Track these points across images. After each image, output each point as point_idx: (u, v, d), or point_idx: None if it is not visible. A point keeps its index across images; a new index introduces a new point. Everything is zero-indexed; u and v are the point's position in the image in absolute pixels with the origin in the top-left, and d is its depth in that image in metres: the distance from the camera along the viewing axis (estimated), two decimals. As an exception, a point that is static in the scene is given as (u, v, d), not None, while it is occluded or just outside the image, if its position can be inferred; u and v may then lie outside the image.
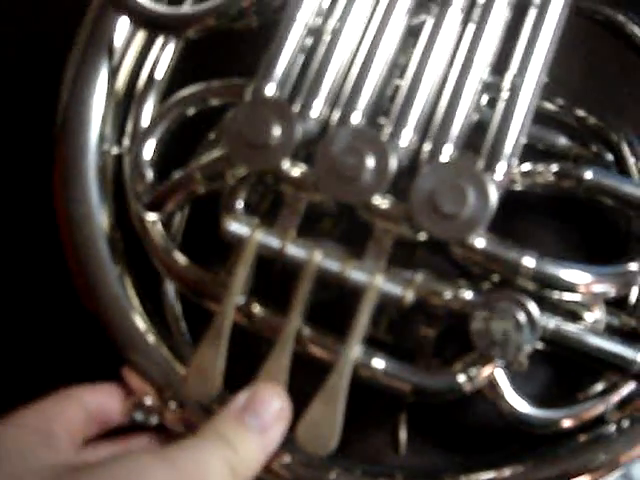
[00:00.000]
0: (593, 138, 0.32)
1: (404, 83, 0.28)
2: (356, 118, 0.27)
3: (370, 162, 0.26)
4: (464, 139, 0.27)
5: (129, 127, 0.33)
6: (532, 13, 0.28)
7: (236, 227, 0.26)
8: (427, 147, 0.27)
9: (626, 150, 0.31)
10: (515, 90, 0.27)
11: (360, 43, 0.29)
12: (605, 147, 0.32)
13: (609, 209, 0.30)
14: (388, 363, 0.27)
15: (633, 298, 0.31)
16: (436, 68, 0.28)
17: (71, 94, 0.33)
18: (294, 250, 0.26)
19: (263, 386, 0.26)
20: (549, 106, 0.33)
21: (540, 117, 0.33)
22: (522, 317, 0.25)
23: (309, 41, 0.30)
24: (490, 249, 0.26)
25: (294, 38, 0.29)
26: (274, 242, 0.26)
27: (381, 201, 0.26)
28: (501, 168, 0.27)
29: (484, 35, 0.28)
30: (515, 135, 0.27)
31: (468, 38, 0.28)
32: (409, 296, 0.25)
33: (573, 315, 0.28)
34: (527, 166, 0.29)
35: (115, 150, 0.33)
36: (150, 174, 0.31)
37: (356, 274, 0.26)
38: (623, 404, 0.29)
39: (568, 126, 0.33)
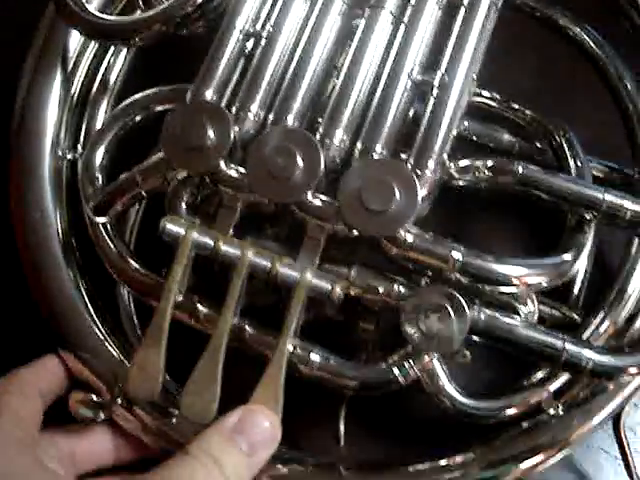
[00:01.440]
0: (536, 135, 0.33)
1: (337, 84, 0.29)
2: (291, 119, 0.28)
3: (300, 161, 0.26)
4: (396, 136, 0.28)
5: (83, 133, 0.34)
6: (461, 13, 0.29)
7: (171, 227, 0.27)
8: (359, 145, 0.28)
9: (565, 147, 0.32)
10: (443, 88, 0.28)
11: (295, 46, 0.29)
12: (547, 144, 0.33)
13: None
14: (324, 357, 0.27)
15: (575, 291, 0.32)
16: (367, 69, 0.28)
17: (26, 101, 0.34)
18: (227, 248, 0.27)
19: (255, 408, 0.26)
20: (494, 104, 0.33)
21: (486, 115, 0.34)
22: (450, 310, 0.26)
23: (249, 45, 0.31)
24: (418, 244, 0.27)
25: (231, 44, 0.29)
26: (207, 241, 0.27)
27: (312, 199, 0.27)
28: (431, 164, 0.27)
29: (414, 36, 0.28)
30: (444, 131, 0.28)
31: (399, 39, 0.29)
32: (337, 291, 0.26)
33: (508, 308, 0.29)
34: (464, 162, 0.30)
35: (70, 155, 0.34)
36: (100, 178, 0.32)
37: (286, 270, 0.26)
38: (560, 392, 0.30)
39: (514, 124, 0.34)
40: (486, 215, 0.34)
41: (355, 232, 0.27)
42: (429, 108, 0.28)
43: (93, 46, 0.35)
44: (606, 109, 0.33)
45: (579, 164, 0.31)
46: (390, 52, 0.29)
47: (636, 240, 0.31)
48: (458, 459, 0.29)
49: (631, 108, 0.32)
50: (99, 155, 0.32)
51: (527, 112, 0.33)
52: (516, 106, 0.33)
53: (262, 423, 0.26)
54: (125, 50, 0.35)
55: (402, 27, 0.29)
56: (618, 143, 0.33)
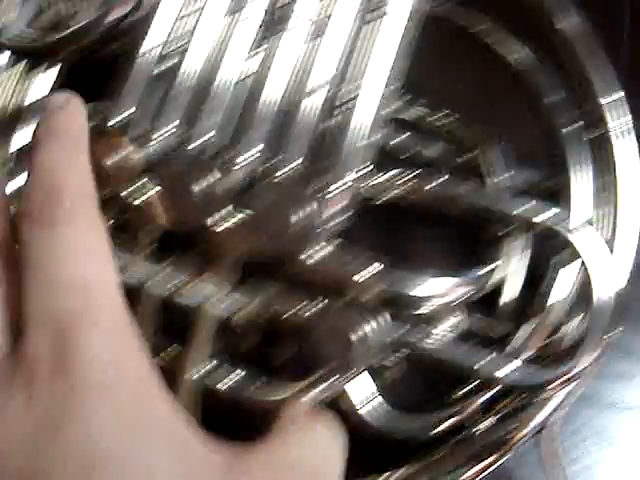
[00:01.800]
0: (463, 146, 0.32)
1: (245, 97, 0.28)
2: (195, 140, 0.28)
3: (202, 184, 0.26)
4: (306, 152, 0.27)
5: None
6: (371, 25, 0.28)
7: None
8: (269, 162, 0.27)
9: (488, 159, 0.31)
10: (353, 101, 0.27)
11: (207, 65, 0.29)
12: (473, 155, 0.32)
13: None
14: (239, 379, 0.27)
15: (505, 302, 0.31)
16: (277, 82, 0.28)
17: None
18: (128, 277, 0.26)
19: None
20: (421, 115, 0.33)
21: (413, 126, 0.33)
22: (353, 333, 0.25)
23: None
24: (324, 264, 0.26)
25: (140, 65, 0.29)
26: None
27: (216, 223, 0.27)
28: (339, 180, 0.27)
29: (325, 49, 0.28)
30: (352, 147, 0.27)
31: (309, 52, 0.28)
32: (240, 316, 0.26)
33: (428, 323, 0.28)
34: (382, 178, 0.29)
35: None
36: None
37: (189, 295, 0.26)
38: (489, 406, 0.29)
39: (440, 135, 0.33)
40: (415, 230, 0.33)
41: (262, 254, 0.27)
42: (337, 123, 0.27)
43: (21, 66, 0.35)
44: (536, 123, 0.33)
45: (501, 175, 0.30)
46: (301, 65, 0.28)
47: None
48: (398, 474, 0.29)
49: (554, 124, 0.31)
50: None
51: (454, 123, 0.32)
52: (442, 117, 0.32)
53: None
54: (54, 68, 0.35)
55: (311, 41, 0.28)
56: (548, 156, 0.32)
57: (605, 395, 0.33)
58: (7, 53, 0.34)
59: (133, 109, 0.28)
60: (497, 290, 0.30)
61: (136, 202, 0.27)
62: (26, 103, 0.35)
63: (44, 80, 0.35)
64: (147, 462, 0.19)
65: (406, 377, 0.29)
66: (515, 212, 0.28)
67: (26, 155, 0.25)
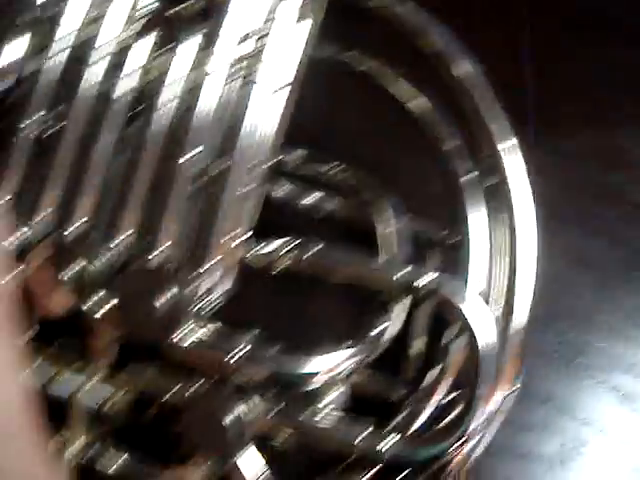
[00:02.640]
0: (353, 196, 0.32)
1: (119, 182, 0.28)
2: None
3: (67, 276, 0.26)
4: (182, 233, 0.27)
5: None
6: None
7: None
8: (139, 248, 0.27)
9: (382, 209, 0.31)
10: (218, 178, 0.27)
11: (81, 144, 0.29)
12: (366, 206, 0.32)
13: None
14: (125, 462, 0.27)
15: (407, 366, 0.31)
16: (147, 163, 0.28)
17: None
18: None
19: None
20: (309, 169, 0.33)
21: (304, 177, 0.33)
22: (225, 421, 0.25)
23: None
24: (192, 350, 0.26)
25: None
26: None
27: (89, 308, 0.27)
28: (209, 260, 0.27)
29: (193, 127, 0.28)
30: (220, 226, 0.27)
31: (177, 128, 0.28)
32: (110, 405, 0.26)
33: (316, 397, 0.28)
34: (264, 249, 0.29)
35: None
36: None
37: (59, 385, 0.26)
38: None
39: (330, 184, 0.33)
40: (307, 293, 0.32)
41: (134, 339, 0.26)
42: (204, 203, 0.27)
43: None
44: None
45: (391, 230, 0.30)
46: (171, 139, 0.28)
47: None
48: None
49: (449, 168, 0.31)
50: None
51: (342, 174, 0.32)
52: (337, 171, 0.32)
53: None
54: None
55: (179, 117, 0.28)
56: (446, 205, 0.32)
57: (512, 447, 0.33)
58: None
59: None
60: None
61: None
62: None
63: None
64: None
65: (294, 452, 0.28)
66: (396, 278, 0.27)
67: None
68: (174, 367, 0.27)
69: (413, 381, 0.30)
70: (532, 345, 0.30)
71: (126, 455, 0.27)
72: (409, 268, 0.27)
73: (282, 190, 0.32)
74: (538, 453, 0.33)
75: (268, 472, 0.27)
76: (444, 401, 0.29)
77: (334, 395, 0.27)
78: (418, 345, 0.30)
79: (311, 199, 0.32)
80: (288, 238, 0.29)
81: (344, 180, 0.32)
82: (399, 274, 0.27)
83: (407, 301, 0.29)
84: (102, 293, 0.26)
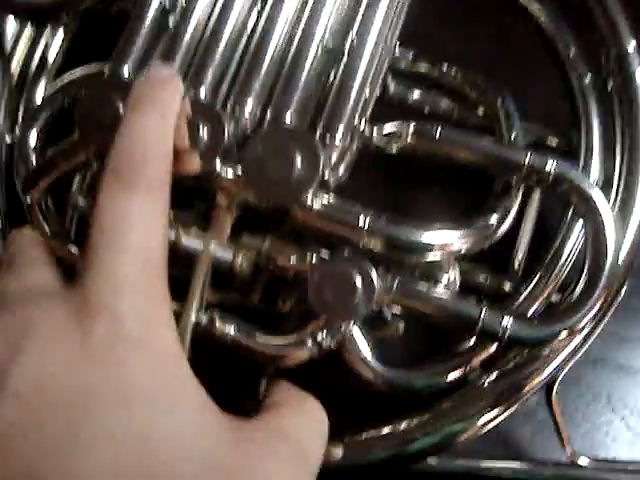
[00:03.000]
0: (474, 101, 0.32)
1: (247, 52, 0.28)
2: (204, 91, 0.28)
3: (205, 132, 0.26)
4: (308, 105, 0.27)
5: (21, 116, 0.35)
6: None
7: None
8: (269, 114, 0.27)
9: (500, 112, 0.31)
10: (353, 53, 0.27)
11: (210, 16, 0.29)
12: (484, 110, 0.31)
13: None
14: (240, 328, 0.27)
15: (516, 259, 0.31)
16: (279, 35, 0.28)
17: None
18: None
19: None
20: (430, 69, 0.33)
21: (423, 80, 0.33)
22: (357, 278, 0.25)
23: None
24: (324, 212, 0.26)
25: (148, 18, 0.29)
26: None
27: (220, 170, 0.27)
28: (340, 130, 0.27)
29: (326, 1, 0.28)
30: (354, 97, 0.27)
31: (310, 3, 0.28)
32: (239, 262, 0.26)
33: (429, 276, 0.28)
34: (387, 128, 0.29)
35: (8, 139, 0.34)
36: (34, 159, 0.32)
37: (189, 241, 0.26)
38: (492, 360, 0.29)
39: (452, 89, 0.33)
40: (424, 183, 0.33)
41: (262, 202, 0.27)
42: (339, 73, 0.27)
43: (30, 28, 0.35)
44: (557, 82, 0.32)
45: (513, 129, 0.30)
46: (302, 17, 0.28)
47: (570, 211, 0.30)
48: (404, 425, 0.28)
49: (574, 81, 0.31)
50: (33, 135, 0.32)
51: (464, 76, 0.32)
52: (453, 71, 0.32)
53: None
54: (62, 31, 0.35)
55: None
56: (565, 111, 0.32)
57: (612, 358, 0.32)
58: (11, 18, 0.34)
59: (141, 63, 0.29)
60: (504, 247, 0.30)
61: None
62: (32, 68, 0.35)
63: (51, 43, 0.35)
64: (173, 406, 0.21)
65: (405, 333, 0.28)
66: (528, 161, 0.27)
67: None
68: (296, 235, 0.27)
69: (522, 276, 0.30)
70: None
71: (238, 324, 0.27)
72: (545, 154, 0.27)
73: (393, 87, 0.32)
74: (637, 367, 0.33)
75: (375, 356, 0.28)
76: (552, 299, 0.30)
77: (446, 276, 0.28)
78: (527, 238, 0.30)
79: (421, 98, 0.32)
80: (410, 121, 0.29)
81: (456, 80, 0.32)
82: (529, 157, 0.27)
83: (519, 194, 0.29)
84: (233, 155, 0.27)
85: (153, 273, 0.23)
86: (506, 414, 0.28)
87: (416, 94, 0.32)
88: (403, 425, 0.29)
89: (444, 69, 0.32)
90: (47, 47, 0.35)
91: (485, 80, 0.32)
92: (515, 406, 0.28)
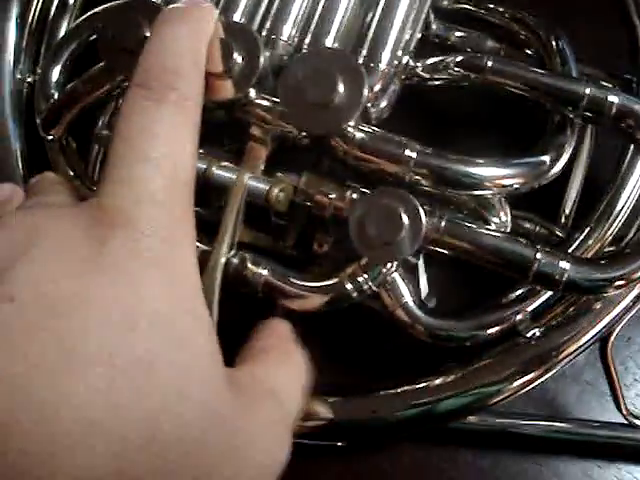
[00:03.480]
0: (524, 40, 0.30)
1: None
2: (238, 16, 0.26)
3: (240, 57, 0.24)
4: (348, 32, 0.26)
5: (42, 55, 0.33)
6: None
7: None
8: (308, 40, 0.26)
9: (554, 49, 0.29)
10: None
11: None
12: (535, 49, 0.29)
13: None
14: (272, 272, 0.25)
15: (566, 206, 0.29)
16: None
17: (-17, 21, 0.33)
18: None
19: None
20: (475, 8, 0.30)
21: (470, 20, 0.31)
22: (403, 214, 0.23)
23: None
24: (368, 142, 0.24)
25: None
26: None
27: (255, 99, 0.25)
28: (385, 57, 0.25)
29: None
30: (399, 21, 0.25)
31: None
32: (275, 193, 0.24)
33: (478, 218, 0.26)
34: (431, 60, 0.27)
35: (30, 78, 0.33)
36: (56, 96, 0.31)
37: (221, 172, 0.24)
38: (542, 311, 0.27)
39: (500, 29, 0.31)
40: (468, 122, 0.31)
41: (302, 132, 0.25)
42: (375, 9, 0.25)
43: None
44: (609, 25, 0.30)
45: (567, 66, 0.28)
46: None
47: (629, 153, 0.28)
48: (437, 382, 0.27)
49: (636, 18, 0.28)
50: (55, 72, 0.31)
51: (514, 15, 0.29)
52: (500, 9, 0.30)
53: None
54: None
55: None
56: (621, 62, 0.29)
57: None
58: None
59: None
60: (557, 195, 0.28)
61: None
62: (54, 5, 0.34)
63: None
64: (182, 340, 0.19)
65: (448, 280, 0.27)
66: (589, 92, 0.25)
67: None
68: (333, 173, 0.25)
69: (572, 225, 0.28)
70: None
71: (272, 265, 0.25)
72: (602, 86, 0.25)
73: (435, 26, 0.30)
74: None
75: (417, 302, 0.26)
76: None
77: (496, 218, 0.26)
78: (578, 184, 0.28)
79: (465, 37, 0.30)
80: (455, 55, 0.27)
81: (504, 19, 0.30)
82: (591, 89, 0.25)
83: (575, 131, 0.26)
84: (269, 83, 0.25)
85: (178, 189, 0.21)
86: (549, 374, 0.26)
87: (459, 33, 0.30)
88: (434, 383, 0.27)
89: (491, 6, 0.30)
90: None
91: (536, 18, 0.30)
92: (560, 366, 0.26)
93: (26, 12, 0.33)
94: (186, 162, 0.21)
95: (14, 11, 0.33)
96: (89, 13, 0.31)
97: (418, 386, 0.27)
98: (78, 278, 0.18)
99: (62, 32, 0.33)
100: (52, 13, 0.33)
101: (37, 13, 0.33)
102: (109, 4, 0.31)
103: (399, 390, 0.27)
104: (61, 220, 0.20)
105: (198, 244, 0.24)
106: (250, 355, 0.23)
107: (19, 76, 0.33)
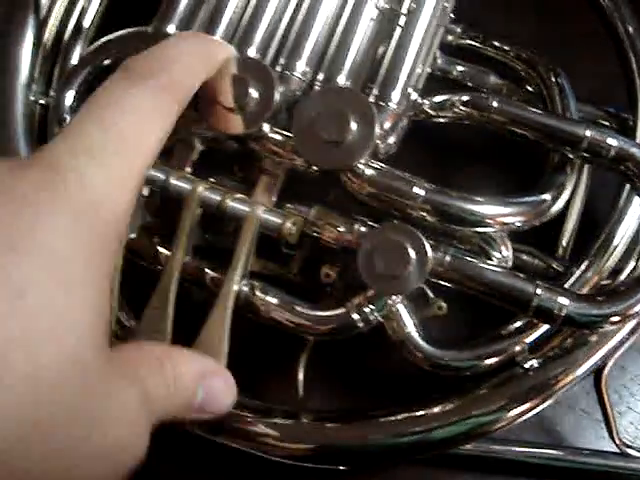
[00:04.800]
0: (525, 77, 0.31)
1: (299, 13, 0.27)
2: (253, 51, 0.27)
3: (254, 92, 0.25)
4: (361, 69, 0.27)
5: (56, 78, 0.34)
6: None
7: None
8: (321, 77, 0.26)
9: (554, 88, 0.30)
10: (410, 16, 0.26)
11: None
12: (536, 86, 0.30)
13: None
14: (281, 299, 0.26)
15: (563, 240, 0.30)
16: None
17: (-1, 42, 0.33)
18: (177, 183, 0.25)
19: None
20: (480, 45, 0.32)
21: (473, 56, 0.32)
22: (410, 249, 0.24)
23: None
24: (378, 178, 0.25)
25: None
26: (160, 176, 0.26)
27: (268, 132, 0.26)
28: (395, 96, 0.26)
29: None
30: (410, 62, 0.26)
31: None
32: (287, 226, 0.25)
33: (481, 253, 0.27)
34: (438, 97, 0.28)
35: (42, 100, 0.34)
36: (68, 120, 0.31)
37: (236, 205, 0.25)
38: (539, 344, 0.28)
39: (502, 65, 0.32)
40: (475, 158, 0.32)
41: (313, 167, 0.26)
42: (395, 38, 0.26)
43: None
44: (607, 61, 0.31)
45: (567, 104, 0.29)
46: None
47: (626, 188, 0.29)
48: (437, 409, 0.27)
49: (632, 57, 0.30)
50: (69, 96, 0.31)
51: (516, 53, 0.31)
52: (504, 47, 0.31)
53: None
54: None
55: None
56: (618, 95, 0.31)
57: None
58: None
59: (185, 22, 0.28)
60: (550, 228, 0.29)
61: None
62: (69, 29, 0.34)
63: (90, 7, 0.34)
64: (70, 286, 0.19)
65: (448, 311, 0.27)
66: (589, 135, 0.26)
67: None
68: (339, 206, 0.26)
69: (571, 257, 0.29)
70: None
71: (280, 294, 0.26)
72: (602, 129, 0.26)
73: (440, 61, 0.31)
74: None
75: (420, 332, 0.27)
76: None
77: (497, 253, 0.27)
78: (574, 219, 0.29)
79: (468, 72, 0.31)
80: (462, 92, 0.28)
81: (507, 56, 0.31)
82: (590, 131, 0.26)
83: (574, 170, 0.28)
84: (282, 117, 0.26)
85: (121, 163, 0.21)
86: (546, 404, 0.27)
87: (460, 68, 0.31)
88: (432, 410, 0.27)
89: (495, 43, 0.31)
90: (83, 12, 0.34)
91: (538, 56, 0.31)
92: (556, 396, 0.27)
93: (40, 35, 0.34)
94: (141, 146, 0.21)
95: (29, 34, 0.33)
96: (103, 39, 0.32)
97: (416, 414, 0.27)
98: None
99: (76, 56, 0.34)
100: (66, 37, 0.34)
101: (51, 36, 0.34)
102: (122, 31, 0.32)
103: (398, 417, 0.28)
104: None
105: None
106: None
107: (32, 98, 0.33)
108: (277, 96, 0.25)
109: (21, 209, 0.19)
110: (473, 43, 0.31)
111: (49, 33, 0.34)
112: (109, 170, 0.20)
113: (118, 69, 0.22)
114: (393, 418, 0.27)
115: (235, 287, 0.25)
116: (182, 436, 0.27)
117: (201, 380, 0.22)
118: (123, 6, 0.35)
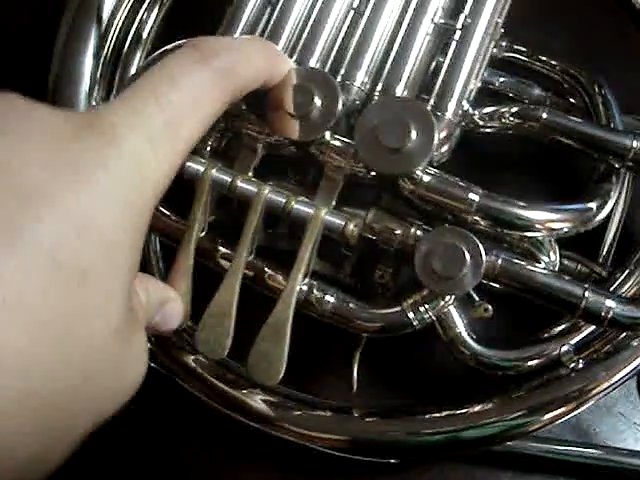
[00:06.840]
0: (569, 90, 0.32)
1: (359, 25, 0.29)
2: (313, 62, 0.28)
3: (318, 101, 0.26)
4: (418, 81, 0.28)
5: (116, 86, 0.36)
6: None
7: (191, 165, 0.27)
8: (380, 87, 0.28)
9: (598, 101, 0.31)
10: (466, 31, 0.28)
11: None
12: (580, 99, 0.32)
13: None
14: (339, 298, 0.27)
15: (606, 246, 0.31)
16: (391, 10, 0.28)
17: (63, 54, 0.35)
18: (243, 186, 0.27)
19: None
20: (525, 57, 0.33)
21: (517, 69, 0.33)
22: (465, 252, 0.25)
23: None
24: (435, 184, 0.26)
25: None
26: (225, 178, 0.27)
27: (330, 139, 0.27)
28: (451, 106, 0.27)
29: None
30: (465, 75, 0.27)
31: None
32: (350, 228, 0.26)
33: (529, 257, 0.28)
34: (488, 109, 0.29)
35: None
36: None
37: (300, 207, 0.26)
38: (583, 346, 0.29)
39: (546, 78, 0.33)
40: (516, 167, 0.33)
41: (372, 172, 0.27)
42: (451, 51, 0.28)
43: (128, 1, 0.36)
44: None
45: (611, 115, 0.30)
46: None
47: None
48: (477, 408, 0.28)
49: None
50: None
51: (560, 66, 0.32)
52: (549, 60, 0.33)
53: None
54: (158, 4, 0.36)
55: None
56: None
57: None
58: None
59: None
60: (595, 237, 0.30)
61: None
62: (129, 39, 0.36)
63: (150, 17, 0.36)
64: (109, 246, 0.19)
65: (495, 312, 0.28)
66: (636, 145, 0.27)
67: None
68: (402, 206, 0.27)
69: (611, 264, 0.31)
70: None
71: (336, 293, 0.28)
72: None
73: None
74: None
75: (470, 332, 0.28)
76: None
77: (546, 257, 0.28)
78: (616, 226, 0.30)
79: (513, 85, 0.32)
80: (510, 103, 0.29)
81: (553, 69, 0.32)
82: (637, 142, 0.27)
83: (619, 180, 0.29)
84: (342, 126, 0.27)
85: (172, 140, 0.21)
86: (586, 406, 0.28)
87: (502, 79, 0.32)
88: (474, 409, 0.28)
89: (542, 57, 0.32)
90: (142, 23, 0.36)
91: (582, 69, 0.32)
92: (596, 399, 0.28)
93: (102, 45, 0.36)
94: (193, 124, 0.22)
95: (92, 44, 0.35)
96: (160, 50, 0.34)
97: (460, 411, 0.29)
98: (45, 165, 0.18)
99: (135, 64, 0.36)
100: (126, 46, 0.36)
101: (112, 45, 0.36)
102: (179, 42, 0.34)
103: (443, 414, 0.29)
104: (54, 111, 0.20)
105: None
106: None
107: (94, 104, 0.35)
108: (340, 105, 0.26)
109: (72, 179, 0.19)
110: (518, 56, 0.33)
111: (110, 43, 0.36)
112: (155, 152, 0.21)
113: (186, 45, 0.23)
114: (440, 415, 0.29)
115: (298, 286, 0.26)
116: (233, 427, 0.29)
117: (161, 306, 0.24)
118: (182, 17, 0.37)
